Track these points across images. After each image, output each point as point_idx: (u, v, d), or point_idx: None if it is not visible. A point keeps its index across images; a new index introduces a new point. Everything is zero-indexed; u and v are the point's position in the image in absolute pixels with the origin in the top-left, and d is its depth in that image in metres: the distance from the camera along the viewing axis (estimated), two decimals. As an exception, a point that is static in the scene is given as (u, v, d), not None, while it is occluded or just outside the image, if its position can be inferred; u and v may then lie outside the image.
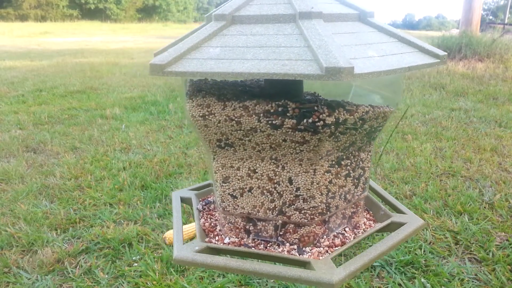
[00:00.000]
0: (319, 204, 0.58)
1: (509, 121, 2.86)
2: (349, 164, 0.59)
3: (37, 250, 1.39)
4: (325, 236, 0.61)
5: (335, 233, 0.62)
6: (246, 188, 0.62)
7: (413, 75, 4.75)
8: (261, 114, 0.53)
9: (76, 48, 9.98)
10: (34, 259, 1.34)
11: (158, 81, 4.64)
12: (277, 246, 0.60)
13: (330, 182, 0.58)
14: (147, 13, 34.53)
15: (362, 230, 0.64)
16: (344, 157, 0.58)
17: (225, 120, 0.55)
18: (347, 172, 0.59)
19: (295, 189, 0.57)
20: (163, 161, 2.16)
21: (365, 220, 0.67)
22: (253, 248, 0.60)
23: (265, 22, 0.52)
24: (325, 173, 0.57)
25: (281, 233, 0.61)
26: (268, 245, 0.61)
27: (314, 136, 0.52)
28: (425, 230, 1.48)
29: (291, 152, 0.56)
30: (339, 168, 0.57)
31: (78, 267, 1.32)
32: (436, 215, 1.59)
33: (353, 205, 0.64)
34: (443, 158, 2.20)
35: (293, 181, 0.57)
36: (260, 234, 0.63)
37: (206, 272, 1.26)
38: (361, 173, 0.62)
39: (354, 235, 0.63)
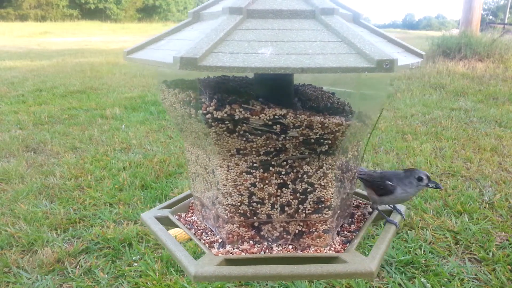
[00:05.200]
0: (238, 203, 0.58)
1: (509, 121, 2.86)
2: (283, 173, 0.57)
3: (37, 250, 1.39)
4: (251, 242, 0.60)
5: (267, 245, 0.60)
6: (196, 173, 0.66)
7: (413, 75, 4.75)
8: (181, 102, 0.57)
9: (76, 48, 9.98)
10: (34, 259, 1.34)
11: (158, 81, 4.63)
12: (212, 235, 0.63)
13: (253, 185, 0.57)
14: (147, 13, 34.54)
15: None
16: (274, 163, 0.56)
17: (170, 105, 0.61)
18: (281, 181, 0.57)
19: (216, 182, 0.59)
20: (163, 161, 2.16)
21: (327, 249, 0.60)
22: (185, 226, 0.66)
23: (214, 18, 0.54)
24: (243, 174, 0.57)
25: (217, 224, 0.63)
26: (210, 232, 0.64)
27: (210, 129, 0.53)
28: (425, 230, 1.48)
29: (206, 143, 0.58)
30: (266, 174, 0.57)
31: (78, 267, 1.32)
32: (436, 215, 1.59)
33: (300, 223, 0.60)
34: (443, 158, 2.20)
35: (215, 173, 0.59)
36: (208, 221, 0.66)
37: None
38: (308, 189, 0.58)
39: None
